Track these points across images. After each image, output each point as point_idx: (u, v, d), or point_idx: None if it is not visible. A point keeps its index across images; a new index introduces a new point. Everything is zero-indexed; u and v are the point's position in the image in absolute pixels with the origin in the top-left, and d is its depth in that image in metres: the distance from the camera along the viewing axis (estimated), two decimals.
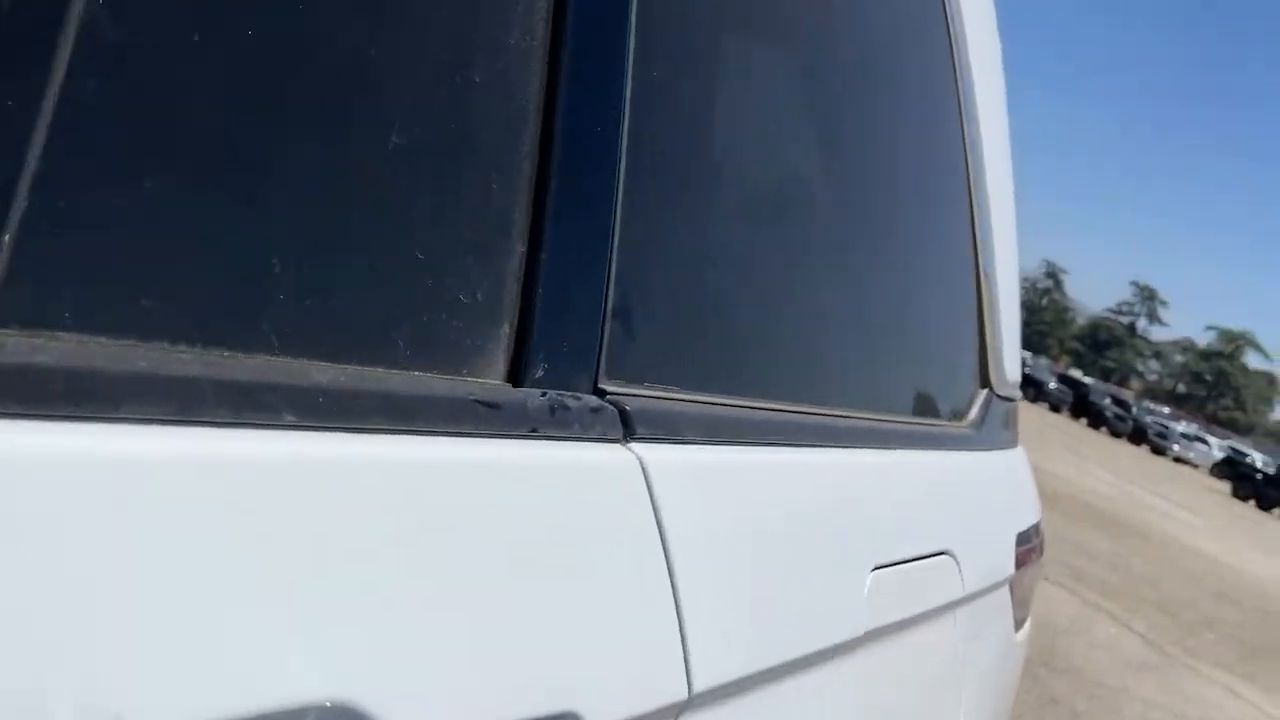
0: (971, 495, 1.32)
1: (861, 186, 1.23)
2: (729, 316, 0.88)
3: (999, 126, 1.49)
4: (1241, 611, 9.89)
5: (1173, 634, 7.70)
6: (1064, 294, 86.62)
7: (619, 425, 0.65)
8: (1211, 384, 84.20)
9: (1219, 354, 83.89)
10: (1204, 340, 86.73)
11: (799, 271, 1.00)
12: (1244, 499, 32.30)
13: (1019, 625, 1.51)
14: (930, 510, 1.15)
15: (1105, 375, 79.48)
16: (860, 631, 0.89)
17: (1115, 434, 41.69)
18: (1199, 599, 9.71)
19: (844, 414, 1.00)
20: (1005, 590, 1.40)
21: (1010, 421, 1.58)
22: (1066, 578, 8.17)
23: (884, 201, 1.28)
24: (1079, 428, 38.49)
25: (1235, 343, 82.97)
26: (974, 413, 1.40)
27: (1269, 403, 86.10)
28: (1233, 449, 43.33)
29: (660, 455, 0.67)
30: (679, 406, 0.73)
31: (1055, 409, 41.92)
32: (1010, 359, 1.51)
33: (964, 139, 1.37)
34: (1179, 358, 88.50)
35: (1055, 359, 75.42)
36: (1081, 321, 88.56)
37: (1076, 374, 54.89)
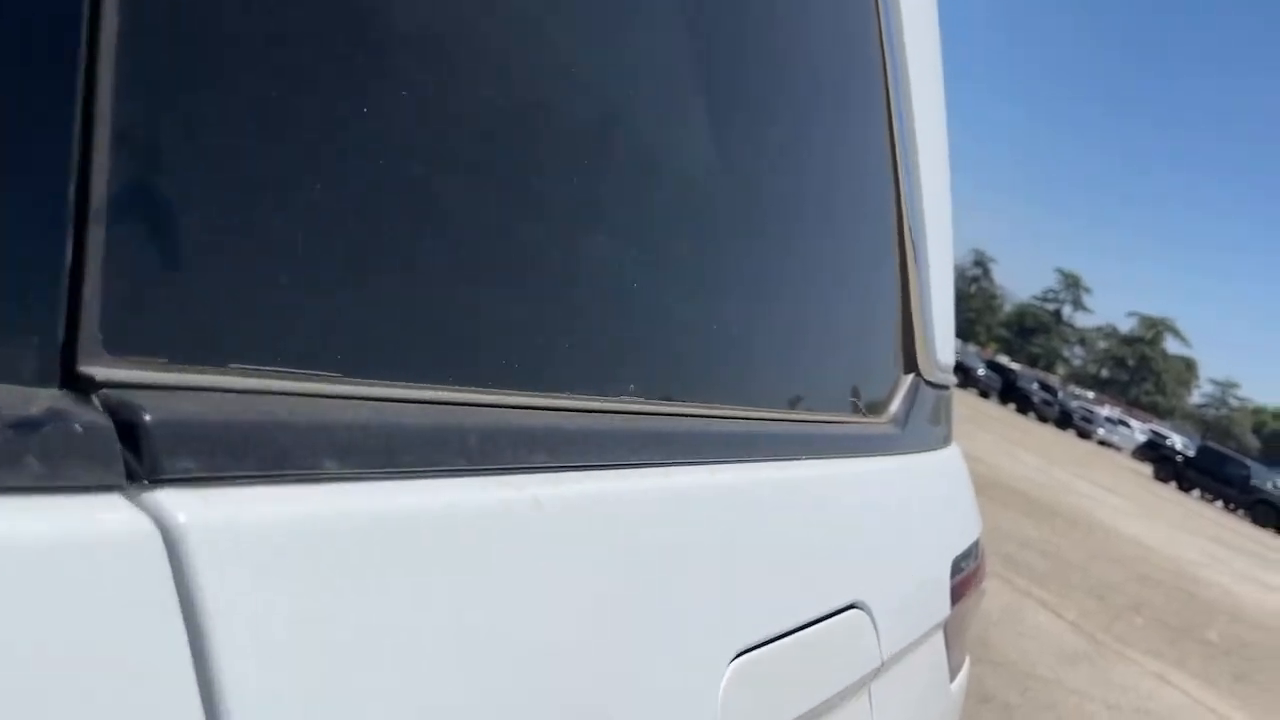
0: (893, 517, 0.99)
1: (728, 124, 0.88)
2: (427, 232, 0.47)
3: (932, 99, 1.18)
4: (1167, 594, 10.01)
5: (1102, 620, 7.75)
6: (992, 282, 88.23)
7: (116, 455, 0.29)
8: (1133, 369, 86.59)
9: (1140, 340, 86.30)
10: (1126, 326, 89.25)
11: (594, 189, 0.62)
12: (1165, 481, 33.09)
13: (955, 672, 1.19)
14: (834, 546, 0.82)
15: (1032, 361, 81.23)
16: None
17: (1042, 419, 42.33)
18: (1127, 583, 9.81)
19: (679, 412, 0.65)
20: (939, 637, 1.08)
21: (942, 414, 1.26)
22: (998, 565, 8.16)
23: (762, 143, 0.93)
24: (1007, 413, 39.03)
25: (1156, 328, 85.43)
26: (896, 405, 1.07)
27: (1187, 387, 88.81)
28: (1154, 432, 44.48)
29: (223, 514, 0.32)
30: (287, 411, 0.36)
31: (984, 395, 42.38)
32: (942, 338, 1.19)
33: (888, 105, 1.05)
34: (1102, 344, 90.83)
35: (983, 346, 76.75)
36: (1009, 308, 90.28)
37: (1004, 360, 55.71)
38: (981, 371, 43.50)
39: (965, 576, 1.15)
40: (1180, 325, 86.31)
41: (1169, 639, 7.83)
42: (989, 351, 68.95)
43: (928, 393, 1.15)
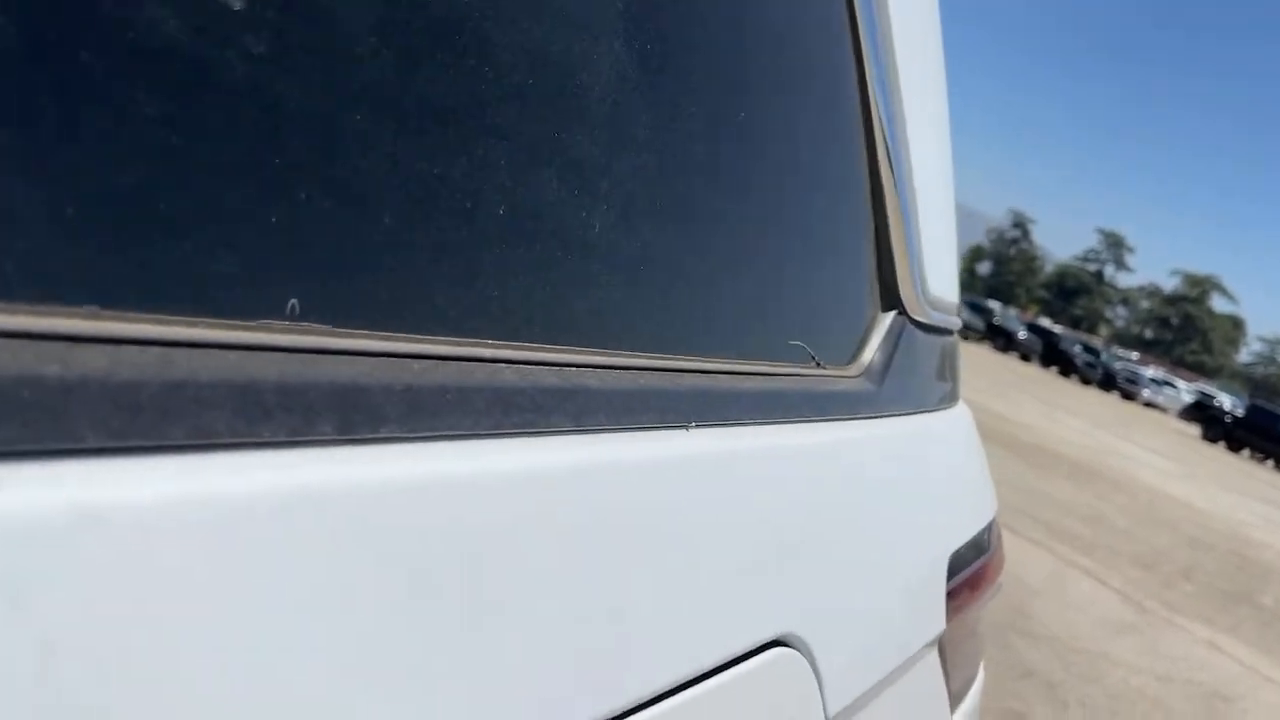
0: (856, 506, 0.70)
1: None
2: None
3: (918, 18, 0.92)
4: (1217, 558, 9.72)
5: (1151, 588, 7.49)
6: (1031, 243, 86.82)
7: None
8: (1178, 328, 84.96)
9: (1185, 298, 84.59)
10: (1170, 285, 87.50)
11: None
12: (1213, 441, 32.40)
13: (959, 697, 0.92)
14: (752, 556, 0.55)
15: (1074, 323, 80.00)
16: None
17: (1085, 381, 41.54)
18: (1175, 548, 9.53)
19: (481, 352, 0.38)
20: (930, 659, 0.81)
21: (944, 365, 0.98)
22: (1039, 533, 7.94)
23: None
24: (1049, 375, 38.38)
25: (1201, 286, 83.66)
26: (870, 353, 0.80)
27: (1235, 345, 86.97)
28: (1201, 392, 43.58)
29: None
30: None
31: (1025, 358, 41.73)
32: (937, 268, 0.91)
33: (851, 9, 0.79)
34: (1146, 303, 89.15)
35: (1024, 308, 75.60)
36: (1049, 270, 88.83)
37: (1046, 323, 54.63)
38: (1022, 334, 42.81)
39: (971, 575, 0.88)
40: (1227, 282, 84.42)
41: (1221, 605, 7.57)
42: (1030, 314, 67.84)
43: (917, 337, 0.88)
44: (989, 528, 1.00)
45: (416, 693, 0.35)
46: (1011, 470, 10.14)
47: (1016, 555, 6.91)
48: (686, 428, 0.52)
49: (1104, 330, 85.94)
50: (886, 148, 0.82)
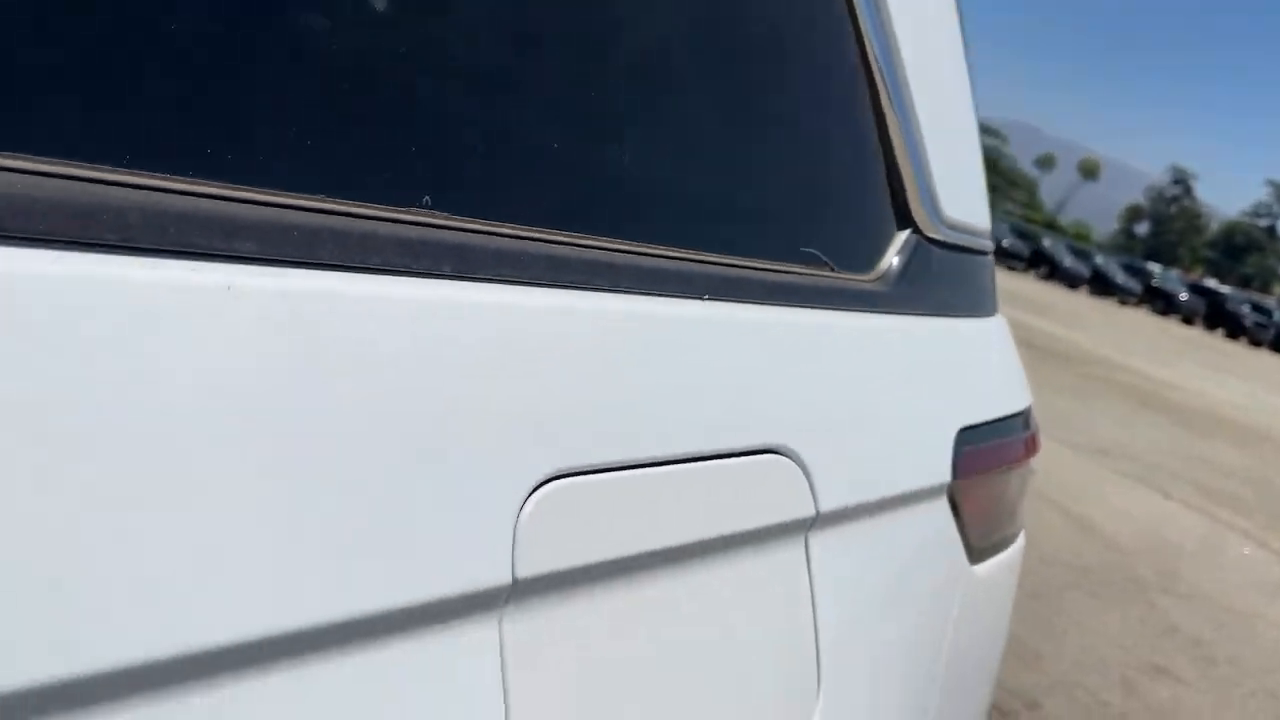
0: (860, 374, 0.90)
1: None
2: None
3: None
4: None
5: None
6: (1194, 200, 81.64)
7: None
8: None
9: None
10: None
11: None
12: None
13: (985, 553, 1.09)
14: (759, 390, 0.76)
15: (1244, 282, 74.84)
16: (499, 580, 0.53)
17: (1255, 343, 38.86)
18: None
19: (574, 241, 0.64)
20: (939, 506, 0.99)
21: (970, 279, 1.14)
22: (1194, 495, 7.61)
23: None
24: (1214, 339, 36.09)
25: None
26: (886, 262, 0.98)
27: None
28: None
29: None
30: None
31: (1188, 321, 39.40)
32: (951, 192, 1.08)
33: None
34: None
35: (1187, 269, 71.23)
36: (1215, 227, 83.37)
37: (1211, 283, 51.27)
38: (1184, 296, 40.39)
39: (989, 448, 1.05)
40: None
41: None
42: (1194, 275, 63.86)
43: (933, 253, 1.05)
44: (1017, 418, 1.16)
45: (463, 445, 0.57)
46: (1170, 435, 9.72)
47: (1168, 518, 6.68)
48: (701, 298, 0.73)
49: (1278, 289, 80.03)
50: (884, 81, 0.99)
